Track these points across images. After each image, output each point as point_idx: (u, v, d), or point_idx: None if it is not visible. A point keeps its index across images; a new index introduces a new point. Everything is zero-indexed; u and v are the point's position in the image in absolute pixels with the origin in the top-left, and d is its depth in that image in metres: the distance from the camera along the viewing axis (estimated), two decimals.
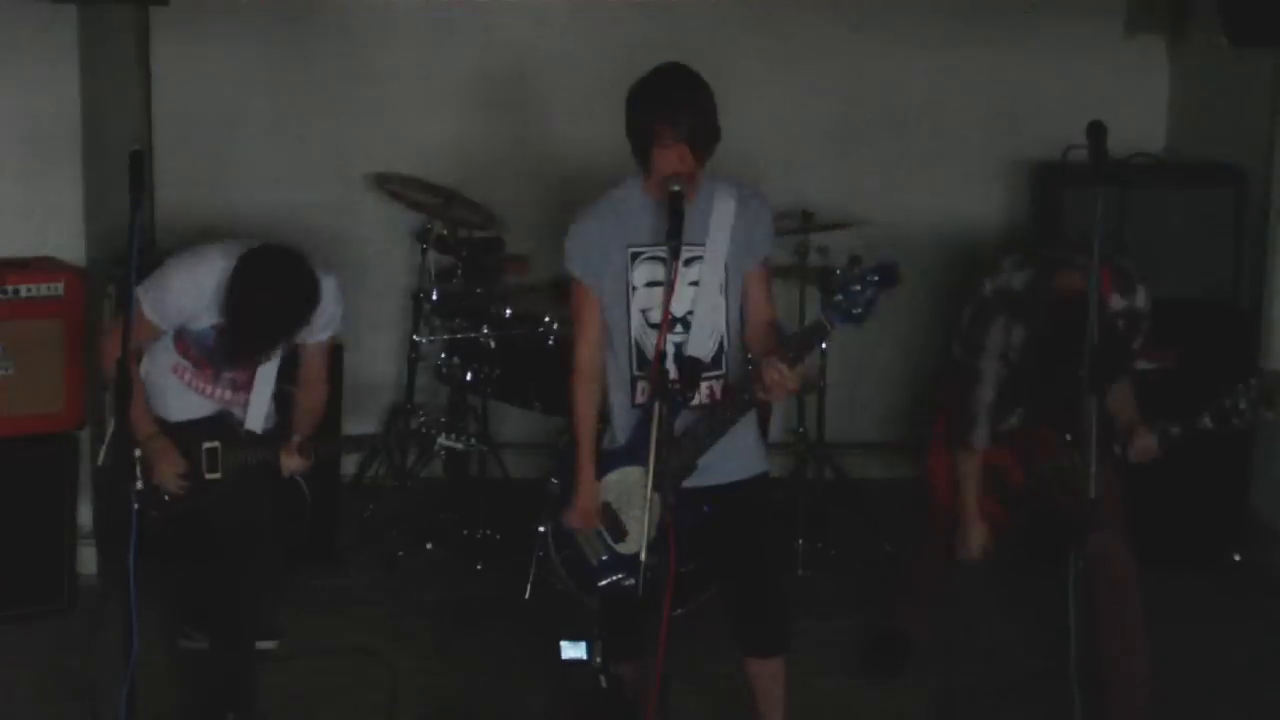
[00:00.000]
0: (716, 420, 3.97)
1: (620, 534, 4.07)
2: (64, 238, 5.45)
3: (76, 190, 5.48)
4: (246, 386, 4.60)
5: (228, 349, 4.45)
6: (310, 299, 4.38)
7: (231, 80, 6.53)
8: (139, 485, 4.49)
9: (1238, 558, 5.94)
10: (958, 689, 4.98)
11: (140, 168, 3.97)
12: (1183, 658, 5.17)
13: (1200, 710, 4.88)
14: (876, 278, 3.76)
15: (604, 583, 4.11)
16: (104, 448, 4.64)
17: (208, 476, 4.56)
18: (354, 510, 6.12)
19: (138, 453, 4.49)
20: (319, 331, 4.58)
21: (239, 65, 6.56)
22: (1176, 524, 5.80)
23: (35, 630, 5.17)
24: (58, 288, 5.24)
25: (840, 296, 3.78)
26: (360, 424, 6.43)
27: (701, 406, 3.98)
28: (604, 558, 4.09)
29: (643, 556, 3.58)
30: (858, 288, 3.76)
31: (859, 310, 3.77)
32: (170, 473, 4.51)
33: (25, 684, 4.85)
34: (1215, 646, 5.30)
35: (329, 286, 4.47)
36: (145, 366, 4.56)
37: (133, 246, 3.95)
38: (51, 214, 5.45)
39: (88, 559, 5.46)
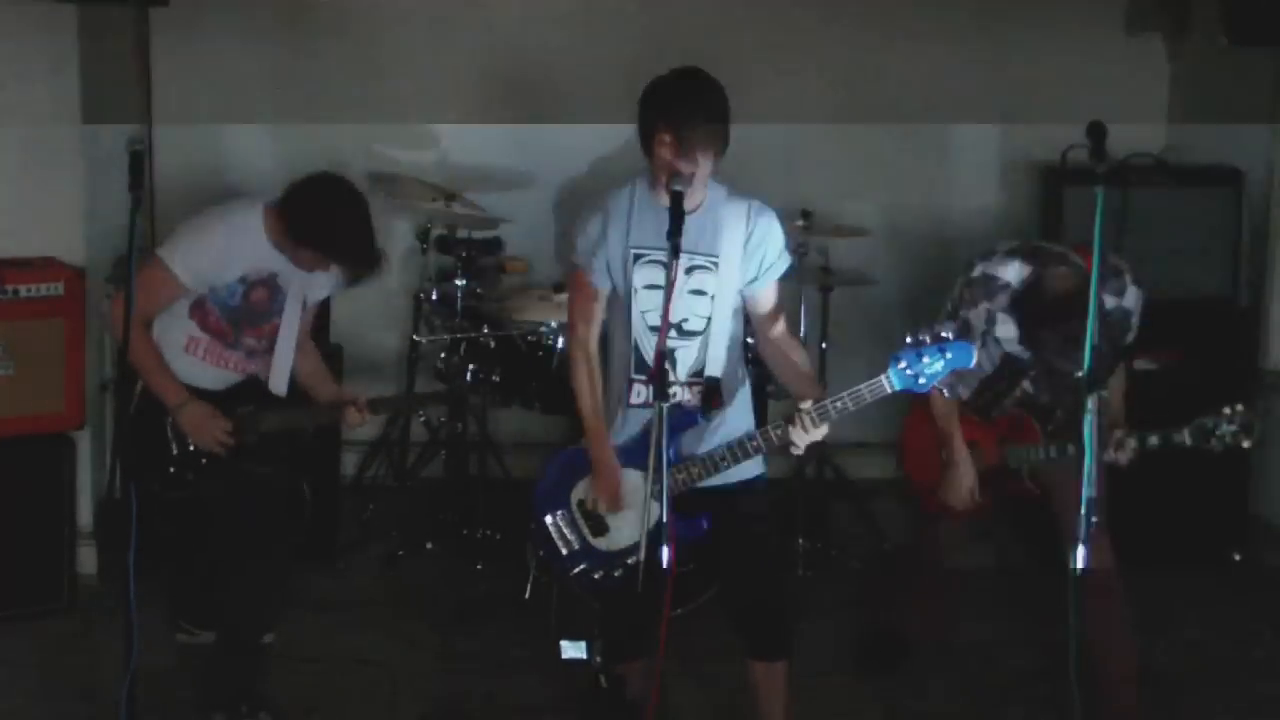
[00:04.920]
0: (742, 451, 3.98)
1: (600, 529, 4.07)
2: (64, 238, 5.45)
3: (76, 190, 5.48)
4: (262, 354, 4.60)
5: (352, 264, 4.54)
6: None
7: (231, 80, 6.52)
8: (174, 451, 4.50)
9: (1238, 558, 5.94)
10: (958, 689, 4.98)
11: (140, 168, 3.97)
12: (1183, 657, 5.18)
13: (1200, 709, 4.88)
14: (950, 355, 3.79)
15: (574, 572, 4.12)
16: (134, 401, 4.53)
17: (246, 440, 4.55)
18: (354, 510, 6.12)
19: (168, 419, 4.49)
20: (327, 288, 4.74)
21: (239, 65, 6.55)
22: (1176, 524, 5.81)
23: (35, 630, 5.17)
24: (58, 288, 5.23)
25: (906, 364, 3.80)
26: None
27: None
28: (575, 548, 4.09)
29: (641, 557, 3.58)
30: (927, 360, 3.78)
31: (922, 380, 3.80)
32: (214, 434, 4.47)
33: (25, 684, 4.85)
34: (1215, 646, 5.30)
35: None
36: (157, 339, 4.53)
37: (132, 246, 3.95)
38: (51, 214, 5.45)
39: (88, 559, 5.46)
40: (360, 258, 4.54)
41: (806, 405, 3.87)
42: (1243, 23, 5.56)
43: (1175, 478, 5.78)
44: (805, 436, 3.87)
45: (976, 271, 4.52)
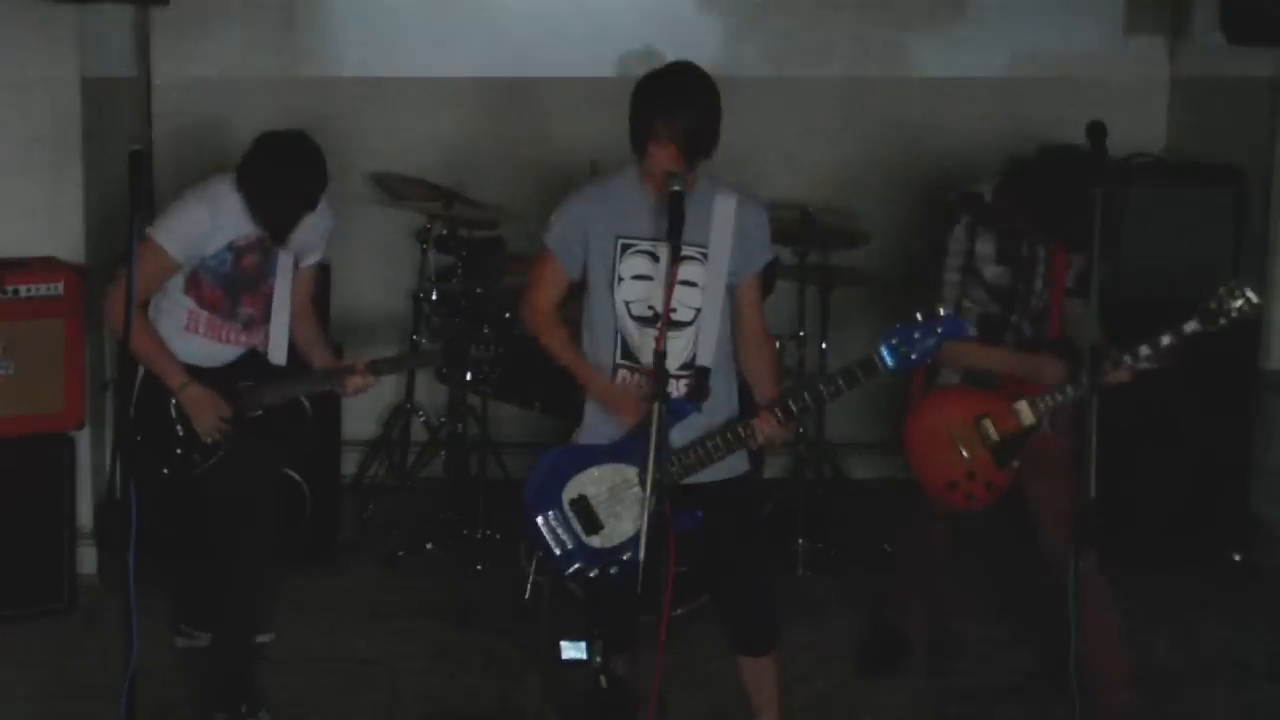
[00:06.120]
0: (735, 438, 3.97)
1: (594, 527, 4.06)
2: (64, 238, 5.45)
3: (76, 190, 5.48)
4: (260, 323, 4.59)
5: (263, 220, 4.46)
6: (324, 167, 4.49)
7: (231, 80, 6.53)
8: (180, 433, 4.48)
9: (1238, 558, 5.94)
10: (957, 689, 4.98)
11: (140, 168, 3.98)
12: (1183, 658, 5.18)
13: (1200, 710, 4.88)
14: (941, 329, 3.78)
15: (569, 571, 4.11)
16: (133, 400, 4.52)
17: (249, 415, 4.54)
18: (354, 510, 6.12)
19: (173, 400, 4.48)
20: (318, 246, 4.67)
21: (239, 65, 6.56)
22: (1176, 524, 5.81)
23: (35, 630, 5.17)
24: (58, 288, 5.24)
25: (898, 340, 3.79)
26: (360, 424, 6.44)
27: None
28: (569, 547, 4.07)
29: (641, 556, 3.58)
30: (919, 335, 3.78)
31: (915, 356, 3.79)
32: (212, 420, 4.47)
33: (25, 684, 4.85)
34: (1215, 647, 5.30)
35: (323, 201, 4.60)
36: (156, 323, 4.52)
37: (133, 246, 3.95)
38: (51, 214, 5.45)
39: (88, 559, 5.46)
40: (276, 220, 4.49)
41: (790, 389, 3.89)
42: (1242, 22, 5.57)
43: (1175, 478, 5.80)
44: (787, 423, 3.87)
45: (950, 196, 4.52)
